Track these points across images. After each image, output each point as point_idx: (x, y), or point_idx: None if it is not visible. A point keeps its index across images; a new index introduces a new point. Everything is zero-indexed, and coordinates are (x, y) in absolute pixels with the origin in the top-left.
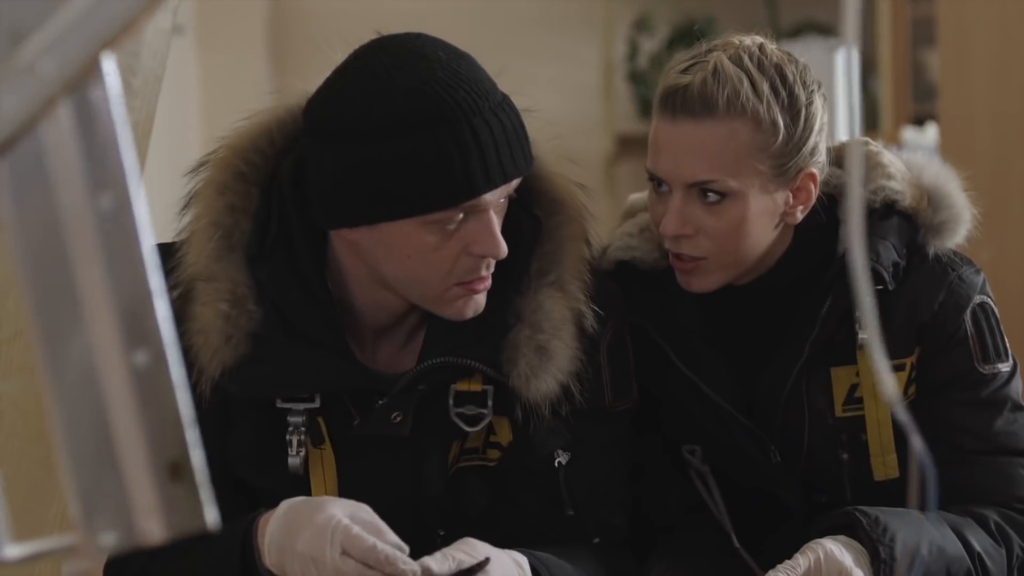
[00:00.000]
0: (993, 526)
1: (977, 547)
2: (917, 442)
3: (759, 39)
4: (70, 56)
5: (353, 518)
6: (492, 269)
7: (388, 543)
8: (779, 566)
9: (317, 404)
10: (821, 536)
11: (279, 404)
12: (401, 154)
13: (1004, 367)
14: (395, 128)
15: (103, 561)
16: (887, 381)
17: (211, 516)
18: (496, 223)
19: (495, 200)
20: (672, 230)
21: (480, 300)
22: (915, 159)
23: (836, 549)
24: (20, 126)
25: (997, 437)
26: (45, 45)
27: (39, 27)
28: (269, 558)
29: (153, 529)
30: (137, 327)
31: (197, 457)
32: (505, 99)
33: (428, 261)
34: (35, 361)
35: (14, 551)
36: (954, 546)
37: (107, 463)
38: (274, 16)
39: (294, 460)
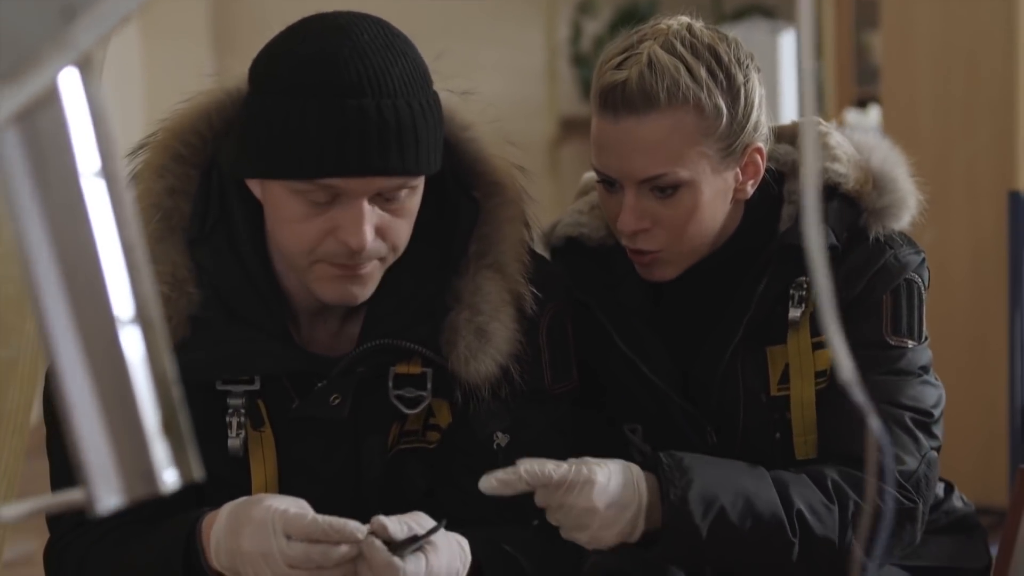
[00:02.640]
0: (830, 484)
1: (798, 504)
2: (875, 424)
3: (685, 20)
4: (104, 32)
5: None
6: (362, 262)
7: None
8: (534, 460)
9: (257, 386)
10: None
11: (219, 386)
12: (279, 115)
13: (911, 343)
14: (284, 89)
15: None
16: (843, 362)
17: (197, 470)
18: (366, 215)
19: (362, 190)
20: (629, 228)
21: (356, 291)
22: (865, 141)
23: (603, 479)
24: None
25: (877, 386)
26: (88, 22)
27: (88, 5)
28: (218, 561)
29: (149, 484)
30: (131, 301)
31: (184, 414)
32: (421, 98)
33: (293, 231)
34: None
35: (12, 511)
36: (768, 498)
37: (106, 424)
38: (217, 2)
39: (234, 442)
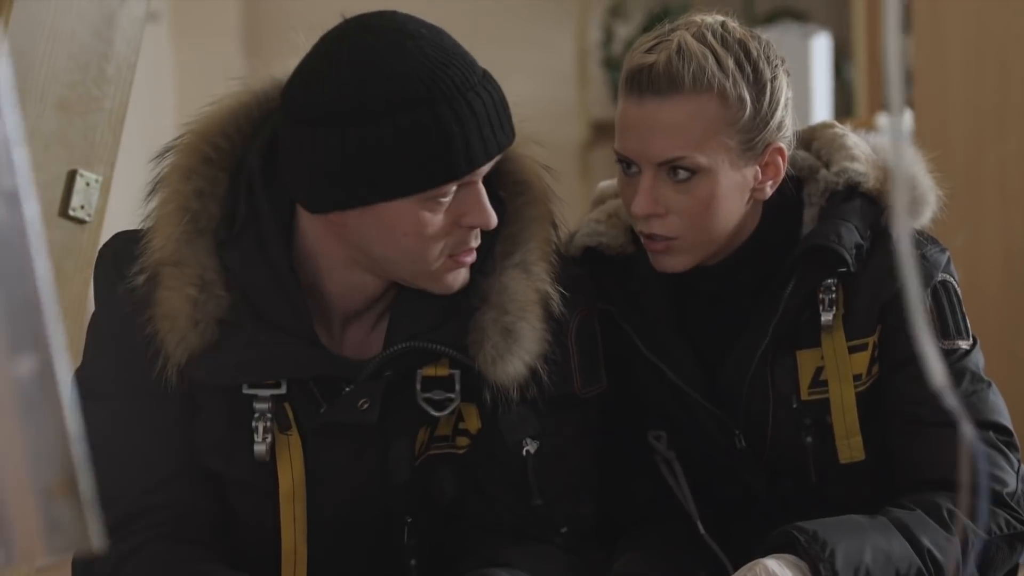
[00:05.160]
0: (946, 514)
1: (926, 543)
2: (968, 431)
3: (721, 17)
4: None
5: None
6: (479, 241)
7: None
8: None
9: (284, 390)
10: (764, 556)
11: (245, 390)
12: (401, 133)
13: (964, 344)
14: (393, 108)
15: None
16: (935, 368)
17: (97, 538)
18: (484, 193)
19: (484, 171)
20: (643, 210)
21: (466, 273)
22: (882, 142)
23: (777, 568)
24: None
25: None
26: None
27: None
28: None
29: (34, 549)
30: (25, 329)
31: (84, 475)
32: (486, 72)
33: (424, 236)
34: None
35: None
36: (901, 548)
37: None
38: (248, 3)
39: (260, 447)
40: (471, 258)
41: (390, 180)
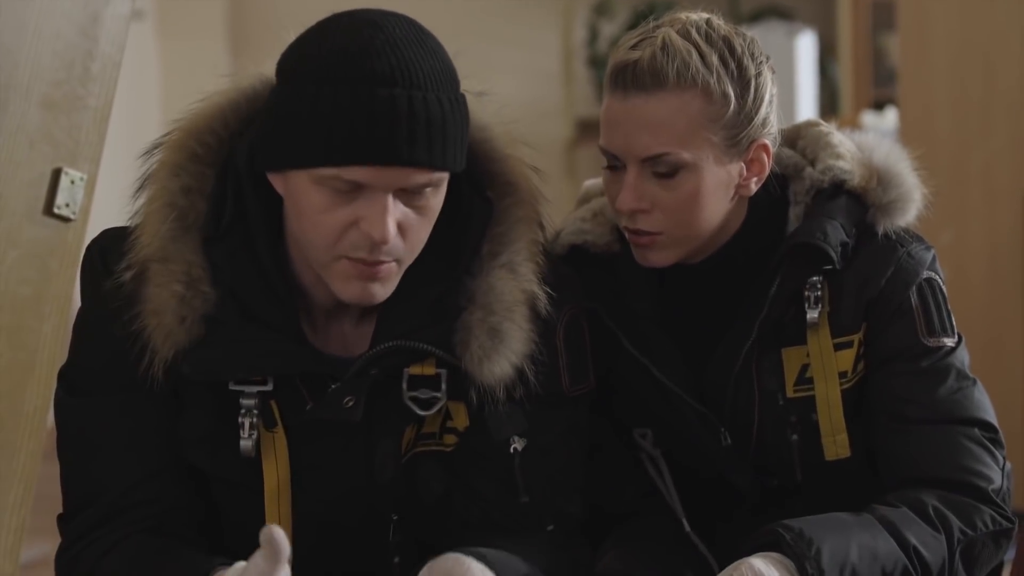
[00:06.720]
0: (932, 511)
1: (912, 540)
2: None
3: (706, 15)
4: None
5: None
6: (384, 257)
7: None
8: None
9: (270, 387)
10: (750, 555)
11: (231, 387)
12: (307, 102)
13: (949, 341)
14: (314, 78)
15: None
16: None
17: None
18: (391, 209)
19: (387, 183)
20: (627, 206)
21: (375, 290)
22: (866, 139)
23: (763, 566)
24: None
25: (941, 404)
26: None
27: None
28: None
29: None
30: None
31: None
32: (451, 95)
33: (315, 222)
34: None
35: None
36: (887, 545)
37: None
38: (234, 2)
39: (246, 443)
40: (375, 273)
41: (285, 146)
